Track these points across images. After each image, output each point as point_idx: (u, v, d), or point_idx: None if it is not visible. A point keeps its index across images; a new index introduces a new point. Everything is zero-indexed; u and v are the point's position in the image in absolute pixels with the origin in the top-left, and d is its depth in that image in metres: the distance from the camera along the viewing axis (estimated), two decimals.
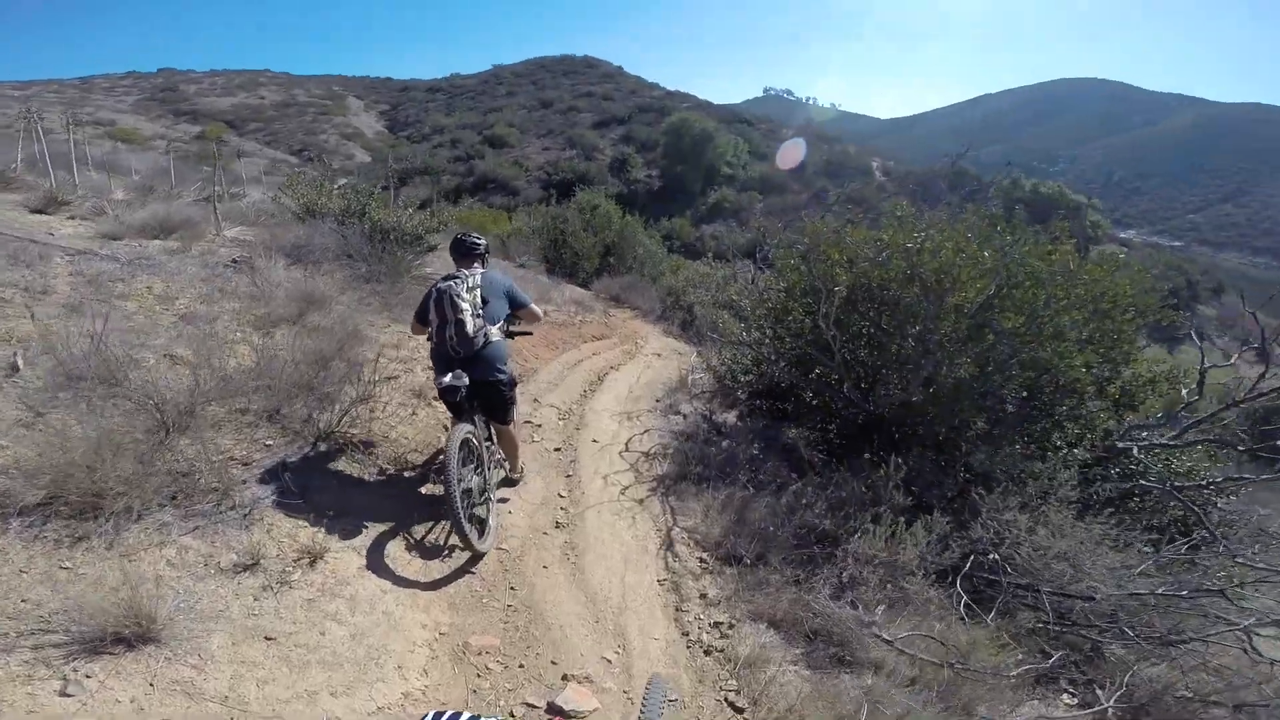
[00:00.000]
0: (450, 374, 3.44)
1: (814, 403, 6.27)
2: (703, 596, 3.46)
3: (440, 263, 11.12)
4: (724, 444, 5.83)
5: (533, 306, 4.13)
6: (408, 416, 4.93)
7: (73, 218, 9.08)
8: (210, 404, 4.10)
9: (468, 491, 3.42)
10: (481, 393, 3.66)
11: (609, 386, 7.30)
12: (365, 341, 5.95)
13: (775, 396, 6.72)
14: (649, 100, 57.83)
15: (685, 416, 6.40)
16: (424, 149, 43.86)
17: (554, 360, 8.21)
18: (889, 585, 3.57)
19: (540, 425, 5.68)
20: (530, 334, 4.47)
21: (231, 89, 53.42)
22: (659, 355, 9.87)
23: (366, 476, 3.98)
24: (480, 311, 3.61)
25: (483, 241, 4.14)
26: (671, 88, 69.55)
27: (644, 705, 1.57)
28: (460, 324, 3.51)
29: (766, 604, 3.37)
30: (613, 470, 5.01)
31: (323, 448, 4.08)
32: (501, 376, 3.66)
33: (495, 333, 3.67)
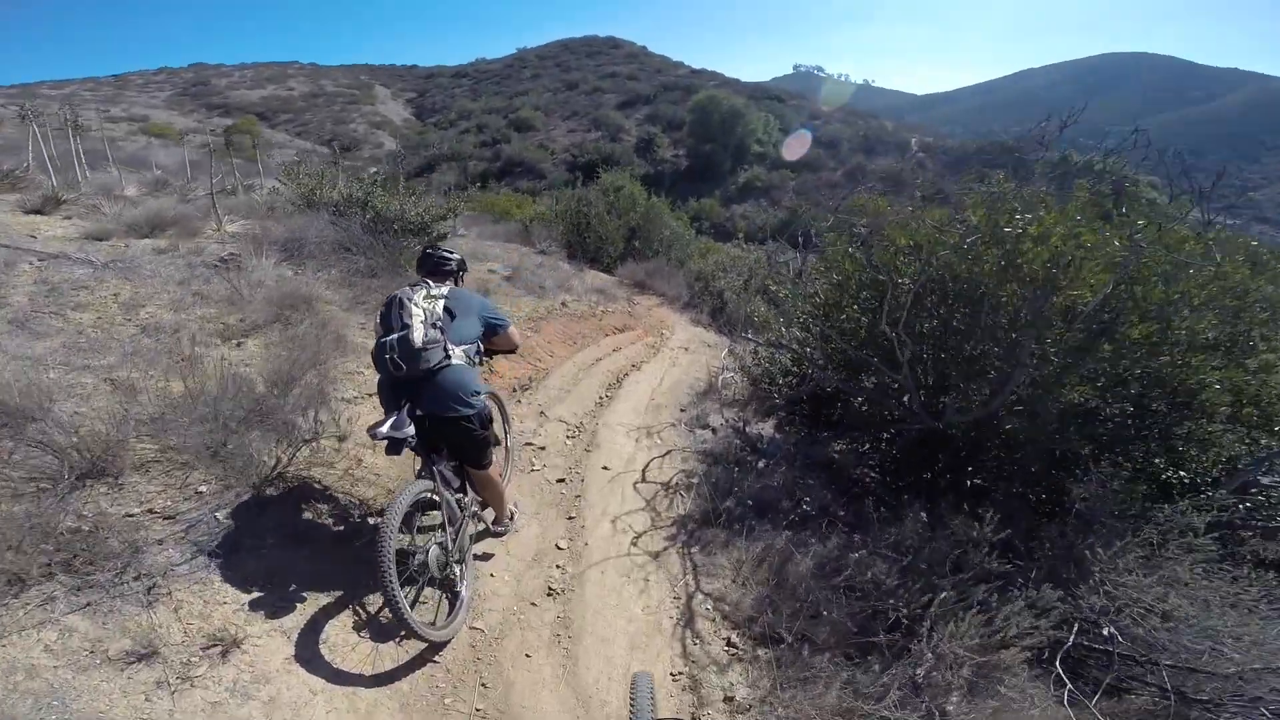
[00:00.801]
0: (390, 420, 2.64)
1: (864, 410, 5.33)
2: (729, 699, 2.62)
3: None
4: (760, 464, 4.95)
5: (511, 330, 3.28)
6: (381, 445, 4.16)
7: (68, 217, 8.58)
8: (141, 440, 3.41)
9: (423, 565, 2.65)
10: (441, 431, 2.85)
11: (628, 392, 6.45)
12: (349, 350, 5.22)
13: (819, 402, 5.80)
14: (674, 79, 56.02)
15: (715, 431, 5.52)
16: (451, 135, 43.23)
17: (569, 359, 7.39)
18: (979, 681, 2.67)
19: (544, 448, 4.88)
20: (512, 351, 3.64)
21: (261, 81, 53.63)
22: (686, 349, 8.97)
23: (318, 530, 3.23)
24: (439, 323, 2.80)
25: (455, 256, 3.35)
26: (697, 66, 67.42)
27: (632, 706, 1.49)
28: (406, 333, 2.69)
29: (811, 708, 2.52)
30: (625, 510, 4.18)
31: (270, 492, 3.34)
32: (465, 411, 2.81)
33: (459, 354, 2.84)
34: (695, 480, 4.58)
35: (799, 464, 5.04)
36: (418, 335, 2.67)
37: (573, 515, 4.12)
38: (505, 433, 4.29)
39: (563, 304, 9.04)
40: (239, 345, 4.88)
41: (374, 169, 37.24)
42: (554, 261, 11.78)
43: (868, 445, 5.32)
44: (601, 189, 15.64)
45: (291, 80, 56.75)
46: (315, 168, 9.47)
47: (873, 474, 5.20)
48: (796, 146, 43.16)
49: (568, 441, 5.08)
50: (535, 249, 12.76)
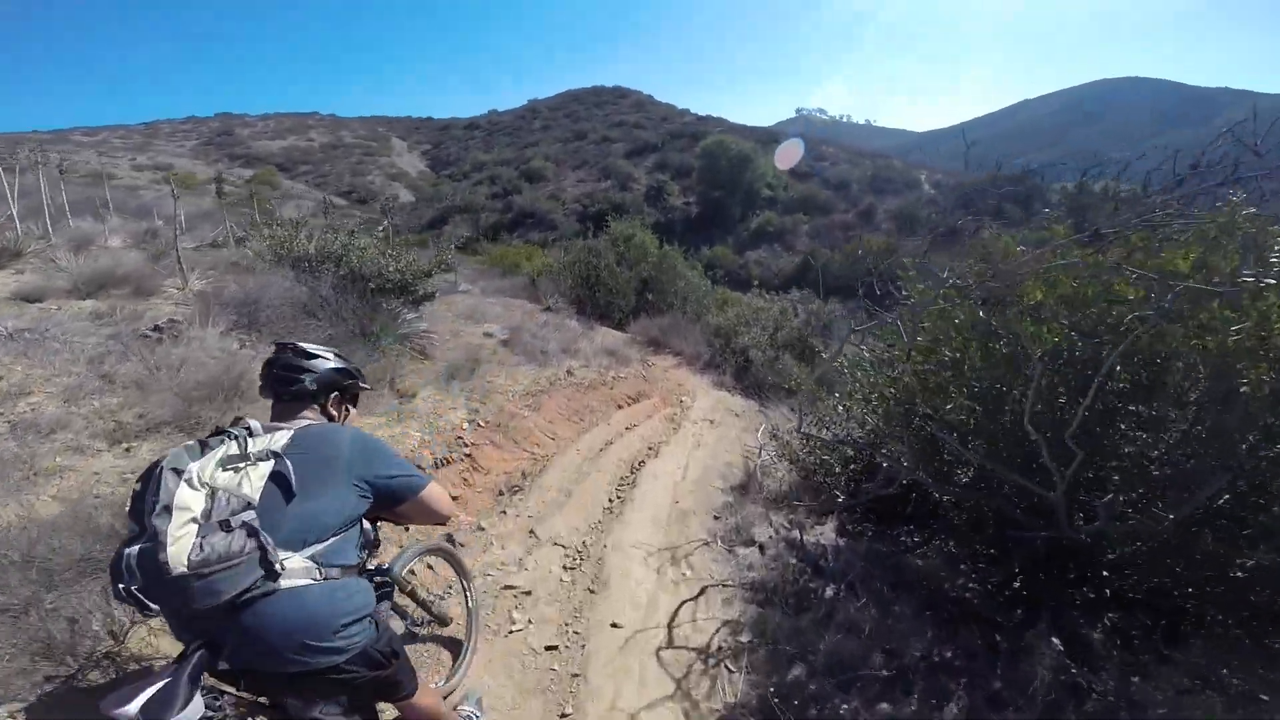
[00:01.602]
0: (149, 690, 1.31)
1: (964, 512, 3.96)
2: None
3: (443, 311, 9.26)
4: (828, 590, 3.56)
5: (431, 493, 1.83)
6: None
7: (20, 272, 7.59)
8: None
9: None
10: (292, 687, 1.53)
11: (645, 491, 5.08)
12: None
13: (892, 499, 4.44)
14: (680, 126, 56.29)
15: (763, 549, 4.13)
16: (464, 187, 43.13)
17: (574, 444, 6.08)
18: None
19: (530, 591, 3.51)
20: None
21: (282, 132, 54.44)
22: (711, 422, 7.62)
23: None
24: (244, 517, 1.43)
25: (321, 363, 1.91)
26: (702, 113, 68.08)
27: None
28: (153, 545, 1.33)
29: None
30: (645, 702, 2.81)
31: (94, 678, 2.03)
32: (322, 661, 1.47)
33: (300, 566, 1.49)
34: (745, 639, 3.19)
35: (878, 585, 3.65)
36: (177, 551, 1.33)
37: (567, 713, 2.74)
38: (465, 592, 2.97)
39: (568, 372, 7.77)
40: (128, 451, 3.63)
41: (386, 222, 37.10)
42: (560, 320, 10.60)
43: (963, 548, 3.94)
44: (611, 239, 14.65)
45: (312, 131, 57.66)
46: (289, 219, 8.35)
47: (973, 584, 3.81)
48: (789, 155, 42.48)
49: (564, 577, 3.70)
50: (541, 306, 11.62)
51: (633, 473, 5.50)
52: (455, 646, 2.93)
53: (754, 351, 9.97)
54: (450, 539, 3.80)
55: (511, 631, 3.18)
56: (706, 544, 4.19)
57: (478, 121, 75.92)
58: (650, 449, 6.20)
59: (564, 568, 3.79)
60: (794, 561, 3.75)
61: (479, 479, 4.77)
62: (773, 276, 29.38)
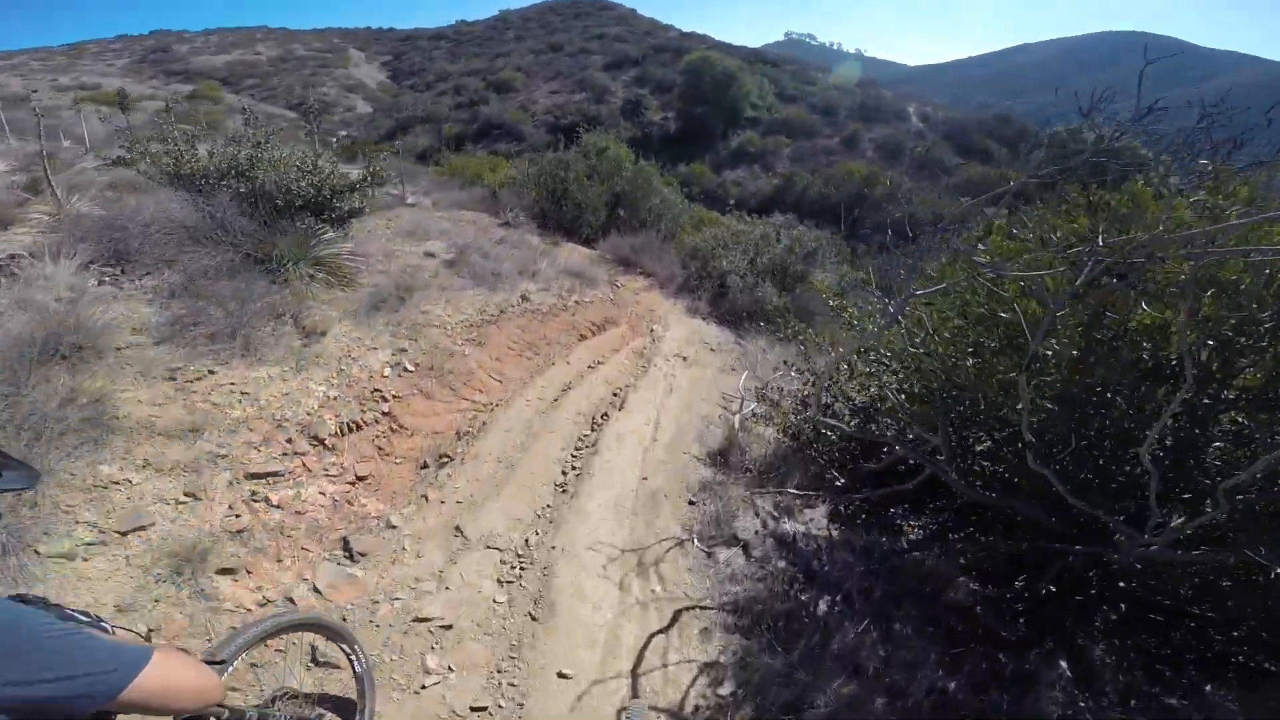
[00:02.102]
0: None
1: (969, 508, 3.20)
2: None
3: (380, 229, 8.01)
4: (822, 604, 2.81)
5: (138, 690, 0.94)
6: None
7: None
8: None
9: None
10: None
11: (606, 461, 4.18)
12: (116, 431, 2.96)
13: (891, 473, 3.65)
14: (664, 41, 52.17)
15: (747, 550, 3.31)
16: (426, 97, 39.77)
17: (523, 391, 5.14)
18: None
19: (450, 626, 2.65)
20: None
21: (226, 47, 49.08)
22: (685, 359, 6.71)
23: None
24: None
25: None
26: (688, 29, 63.25)
27: None
28: None
29: None
30: None
31: None
32: None
33: None
34: (727, 690, 2.41)
35: (879, 595, 2.91)
36: None
37: None
38: (352, 655, 2.10)
39: (523, 297, 6.72)
40: None
41: (343, 133, 34.12)
42: (520, 235, 9.40)
43: (973, 548, 3.21)
44: (583, 151, 13.19)
45: (259, 45, 52.25)
46: (185, 130, 6.90)
47: (976, 587, 3.14)
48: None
49: (498, 596, 2.84)
50: (499, 220, 10.36)
51: (594, 430, 4.60)
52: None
53: (733, 278, 8.97)
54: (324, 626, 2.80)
55: (424, 687, 2.34)
56: (681, 543, 3.35)
57: (444, 32, 69.63)
58: (616, 395, 5.30)
59: (499, 582, 2.92)
60: (783, 564, 2.95)
61: (399, 445, 3.84)
62: (750, 197, 27.87)
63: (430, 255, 6.96)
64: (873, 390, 3.67)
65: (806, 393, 3.74)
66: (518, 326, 6.11)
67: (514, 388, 5.07)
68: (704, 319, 8.61)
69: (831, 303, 3.91)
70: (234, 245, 4.89)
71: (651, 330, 7.54)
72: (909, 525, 3.58)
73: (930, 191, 28.31)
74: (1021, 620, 2.94)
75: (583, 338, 6.76)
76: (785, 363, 6.04)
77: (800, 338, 4.48)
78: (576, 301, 7.43)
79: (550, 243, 10.12)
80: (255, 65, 45.17)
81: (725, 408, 5.27)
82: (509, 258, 7.73)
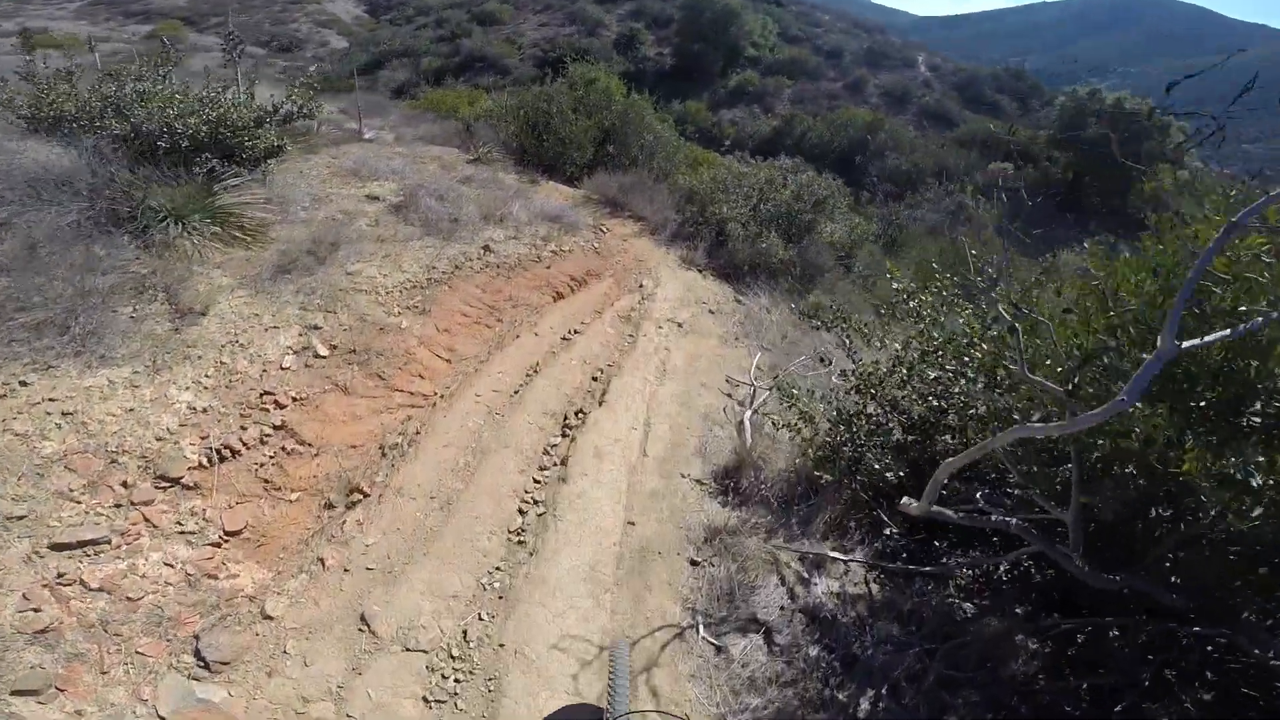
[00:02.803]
0: None
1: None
2: None
3: (318, 168, 6.62)
4: (862, 706, 1.79)
5: None
6: None
7: None
8: None
9: None
10: None
11: (579, 491, 3.06)
12: None
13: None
14: None
15: (771, 635, 2.23)
16: (406, 31, 36.64)
17: (476, 378, 3.98)
18: None
19: None
20: None
21: None
22: (680, 325, 5.53)
23: None
24: None
25: None
26: None
27: (612, 670, 1.35)
28: None
29: None
30: None
31: None
32: None
33: None
34: None
35: (931, 680, 1.91)
36: None
37: None
38: None
39: (485, 248, 5.48)
40: None
41: (313, 68, 31.41)
42: (492, 173, 8.04)
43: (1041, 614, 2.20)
44: (569, 82, 11.59)
45: None
46: (54, 72, 5.41)
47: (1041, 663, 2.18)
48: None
49: None
50: (470, 156, 8.95)
51: (565, 436, 3.48)
52: None
53: (733, 226, 7.67)
54: None
55: None
56: (681, 634, 2.27)
57: None
58: (595, 380, 4.15)
59: (425, 701, 1.87)
60: (816, 652, 1.92)
61: (295, 473, 2.72)
62: (747, 138, 25.91)
63: (373, 199, 5.66)
64: (933, 402, 2.54)
65: (847, 407, 2.63)
66: (477, 286, 4.91)
67: (465, 373, 3.92)
68: (700, 271, 7.38)
69: (898, 285, 2.67)
70: (91, 199, 3.62)
71: (641, 286, 6.34)
72: (958, 565, 2.56)
73: (936, 143, 26.45)
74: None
75: (559, 296, 5.57)
76: (821, 360, 4.87)
77: (843, 326, 3.30)
78: (553, 251, 6.18)
79: (528, 181, 8.76)
80: (221, 3, 41.37)
81: (730, 395, 4.15)
82: (474, 199, 6.42)
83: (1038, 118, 32.26)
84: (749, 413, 3.89)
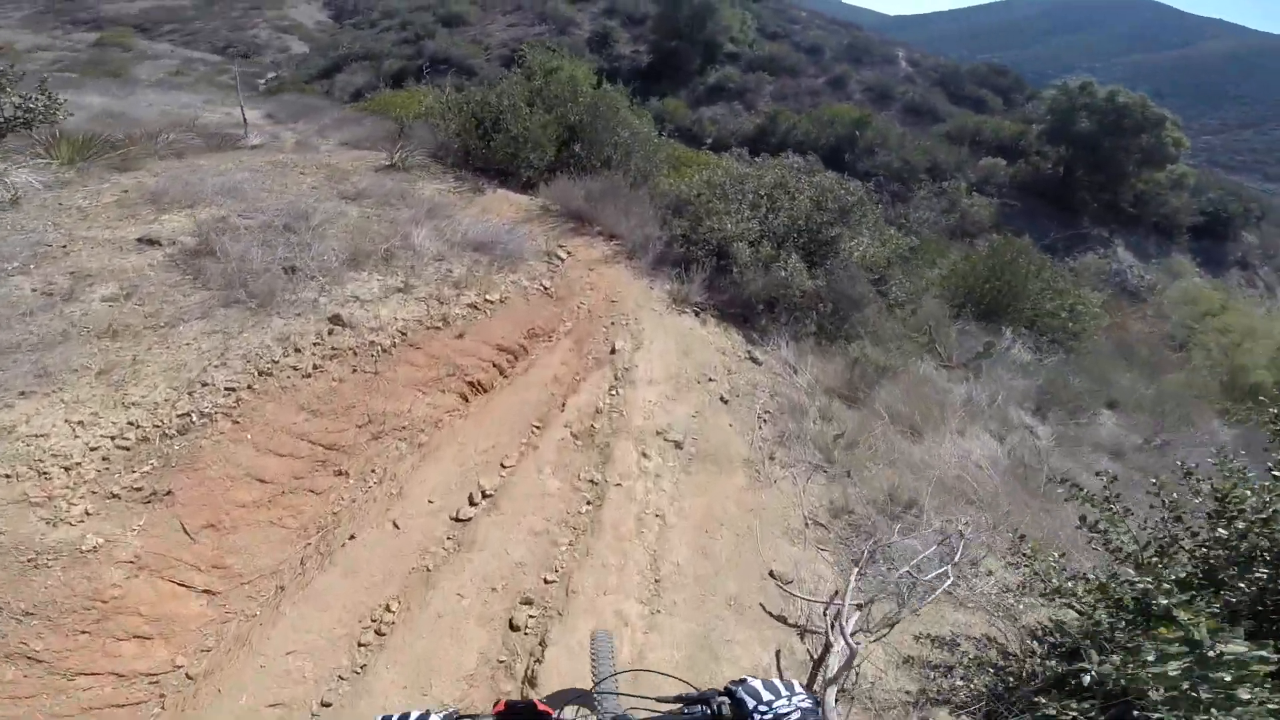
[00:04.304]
0: None
1: None
2: None
3: (43, 215, 4.04)
4: None
5: None
6: None
7: None
8: None
9: None
10: None
11: None
12: None
13: None
14: None
15: None
16: (368, 35, 33.64)
17: (268, 630, 1.58)
18: None
19: None
20: None
21: None
22: (678, 445, 3.07)
23: None
24: None
25: None
26: None
27: (594, 658, 1.36)
28: None
29: None
30: None
31: None
32: None
33: None
34: None
35: None
36: None
37: None
38: None
39: (332, 322, 3.03)
40: None
41: (271, 75, 28.45)
42: (409, 184, 5.61)
43: None
44: (526, 72, 9.14)
45: None
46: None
47: None
48: None
49: None
50: (387, 160, 6.51)
51: None
52: None
53: (739, 246, 5.32)
54: None
55: None
56: None
57: None
58: (521, 630, 1.74)
59: None
60: None
61: None
62: (729, 136, 23.48)
63: (149, 244, 3.19)
64: None
65: None
66: (302, 405, 2.50)
67: (244, 616, 1.50)
68: (697, 314, 5.00)
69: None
70: None
71: (613, 353, 3.93)
72: None
73: (922, 138, 24.34)
74: None
75: (471, 394, 3.17)
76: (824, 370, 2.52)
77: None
78: (474, 304, 3.78)
79: (470, 191, 6.38)
80: (176, 10, 37.80)
81: (785, 618, 1.79)
82: (349, 229, 3.99)
83: (1023, 112, 30.37)
84: (832, 691, 1.60)
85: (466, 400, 3.09)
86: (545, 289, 4.48)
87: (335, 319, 2.97)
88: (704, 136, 24.13)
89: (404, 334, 3.17)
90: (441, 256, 4.05)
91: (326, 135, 8.74)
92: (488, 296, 3.88)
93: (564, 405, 3.18)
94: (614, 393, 3.36)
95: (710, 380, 3.80)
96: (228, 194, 4.05)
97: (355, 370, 2.88)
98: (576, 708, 1.17)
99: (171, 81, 18.59)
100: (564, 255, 5.30)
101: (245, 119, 6.99)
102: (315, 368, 2.75)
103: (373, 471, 2.63)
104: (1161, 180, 23.71)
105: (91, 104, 7.98)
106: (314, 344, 2.81)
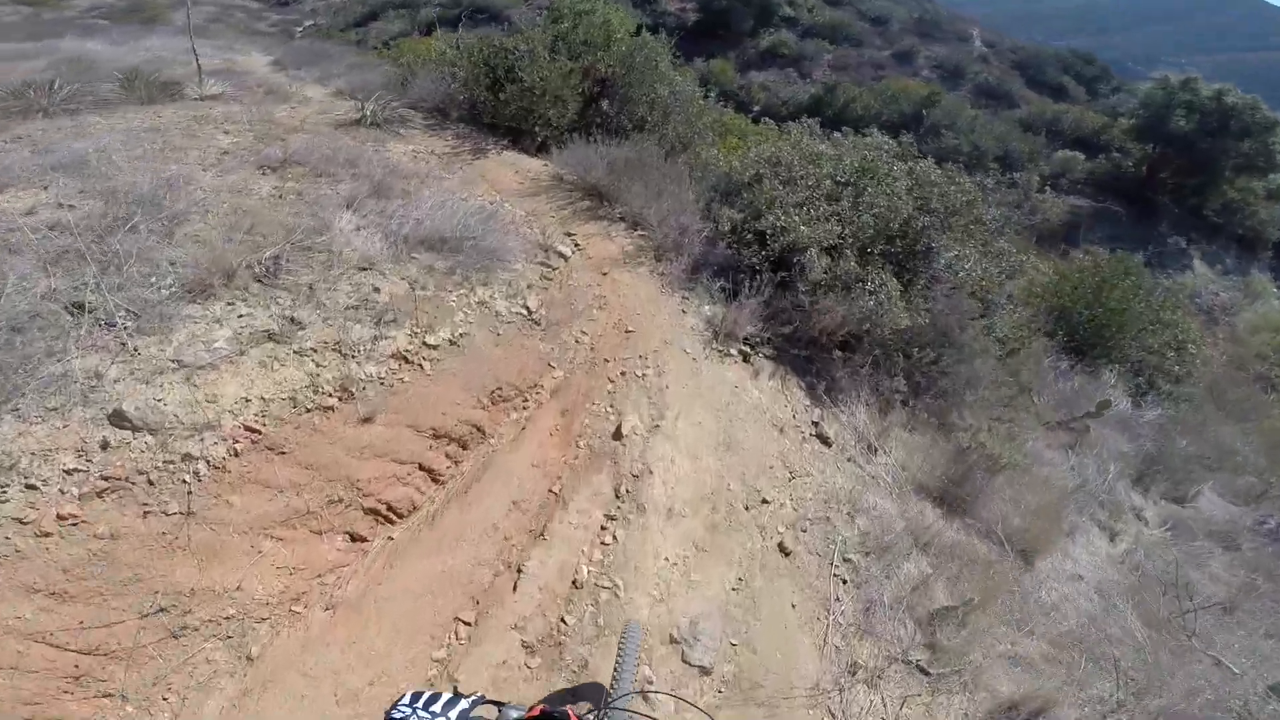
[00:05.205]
0: None
1: None
2: None
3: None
4: None
5: None
6: None
7: None
8: None
9: None
10: None
11: None
12: None
13: None
14: None
15: None
16: None
17: None
18: None
19: None
20: None
21: None
22: (704, 674, 1.60)
23: None
24: None
25: None
26: None
27: (620, 650, 1.31)
28: None
29: None
30: None
31: None
32: None
33: None
34: None
35: None
36: None
37: None
38: None
39: (69, 471, 1.60)
40: None
41: (308, 23, 26.66)
42: (372, 147, 4.10)
43: None
44: (554, 14, 7.34)
45: None
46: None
47: None
48: None
49: None
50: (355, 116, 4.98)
51: None
52: None
53: (812, 255, 3.65)
54: None
55: None
56: None
57: None
58: None
59: None
60: None
61: None
62: (780, 105, 21.03)
63: None
64: None
65: None
66: (27, 586, 1.13)
67: None
68: (746, 358, 3.44)
69: None
70: None
71: (619, 437, 2.44)
72: None
73: (995, 123, 21.61)
74: None
75: (374, 524, 1.74)
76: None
77: None
78: (405, 354, 2.32)
79: (468, 153, 4.90)
80: None
81: None
82: (234, 219, 2.53)
83: (1108, 104, 27.02)
84: None
85: (360, 545, 1.66)
86: (529, 312, 2.97)
87: (118, 417, 1.54)
88: (752, 104, 21.73)
89: (256, 431, 1.73)
90: (370, 263, 2.56)
91: (327, 83, 7.22)
92: (429, 339, 2.40)
93: (520, 570, 1.72)
94: (609, 538, 1.89)
95: (764, 502, 2.30)
96: (72, 168, 2.61)
97: (147, 514, 1.46)
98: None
99: (201, 28, 16.96)
100: (568, 252, 3.78)
101: (199, 65, 5.46)
102: (65, 518, 1.34)
103: (165, 698, 1.29)
104: (1257, 190, 20.75)
105: (80, 49, 6.62)
106: (68, 472, 1.40)
